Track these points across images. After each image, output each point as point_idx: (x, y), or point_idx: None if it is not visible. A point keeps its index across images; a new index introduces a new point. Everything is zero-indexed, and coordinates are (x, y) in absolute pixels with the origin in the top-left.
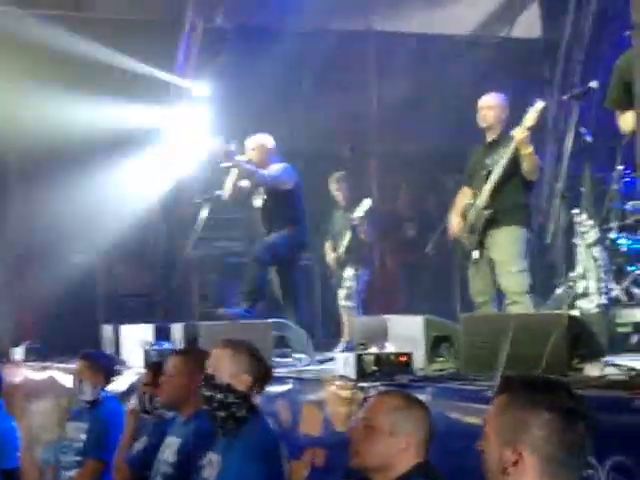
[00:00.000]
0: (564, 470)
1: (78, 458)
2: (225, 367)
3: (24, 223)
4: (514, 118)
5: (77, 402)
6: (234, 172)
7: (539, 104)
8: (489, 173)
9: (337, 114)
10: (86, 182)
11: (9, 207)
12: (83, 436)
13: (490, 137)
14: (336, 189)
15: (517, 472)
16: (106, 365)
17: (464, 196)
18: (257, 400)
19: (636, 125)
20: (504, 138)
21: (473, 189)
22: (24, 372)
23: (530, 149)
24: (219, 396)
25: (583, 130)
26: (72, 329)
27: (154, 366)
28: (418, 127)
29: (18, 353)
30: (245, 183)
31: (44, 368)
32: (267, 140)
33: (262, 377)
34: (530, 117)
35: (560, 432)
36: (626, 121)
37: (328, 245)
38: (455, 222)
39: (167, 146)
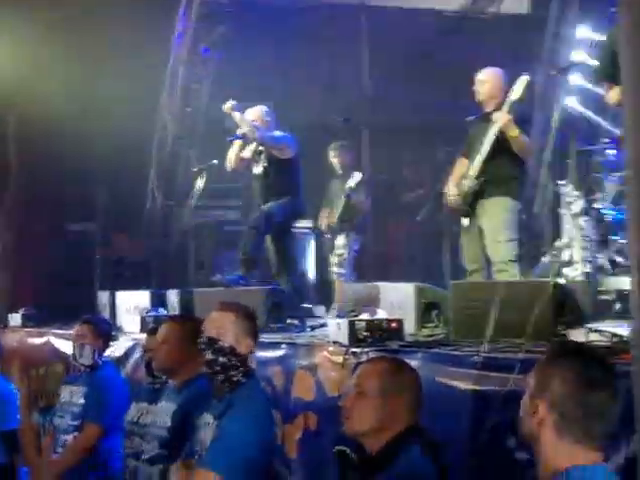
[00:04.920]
0: (582, 432)
1: (76, 422)
2: (229, 330)
3: (21, 190)
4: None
5: (74, 366)
6: (237, 143)
7: (523, 78)
8: (482, 144)
9: (331, 86)
10: (83, 148)
11: (7, 174)
12: (81, 400)
13: (486, 110)
14: (333, 156)
15: (535, 422)
16: (106, 330)
17: (461, 166)
18: (253, 363)
19: (622, 98)
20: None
21: (469, 159)
22: (21, 338)
23: (516, 132)
24: (222, 359)
25: (569, 104)
26: (69, 295)
27: (155, 331)
28: (409, 100)
29: (15, 319)
30: (247, 153)
31: (41, 334)
32: (266, 112)
33: (256, 340)
34: (516, 91)
35: (579, 395)
36: (613, 94)
37: (323, 212)
38: (451, 191)
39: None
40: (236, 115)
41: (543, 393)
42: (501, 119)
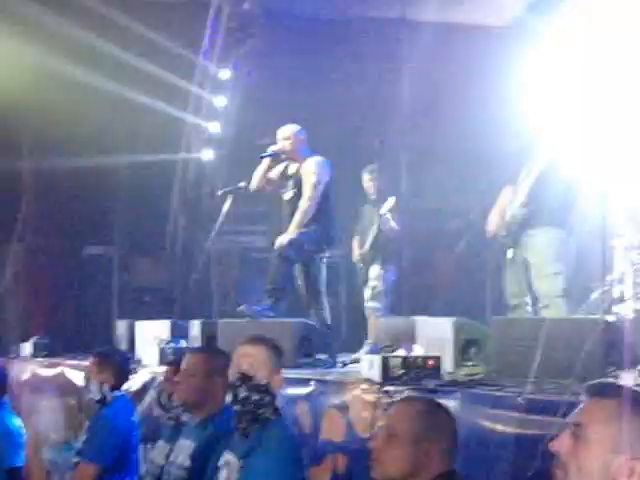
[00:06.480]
0: None
1: (77, 459)
2: (263, 366)
3: (36, 214)
4: None
5: (89, 401)
6: (265, 162)
7: None
8: (529, 170)
9: (367, 105)
10: (102, 171)
11: (22, 197)
12: (84, 436)
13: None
14: (367, 180)
15: None
16: (117, 364)
17: (506, 194)
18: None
19: None
20: None
21: (514, 186)
22: (32, 368)
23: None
24: (255, 397)
25: None
26: (84, 324)
27: (175, 363)
28: (451, 122)
29: (26, 348)
30: (274, 175)
31: (53, 365)
32: (299, 131)
33: None
34: None
35: None
36: None
37: (355, 241)
38: (494, 220)
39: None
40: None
41: (638, 452)
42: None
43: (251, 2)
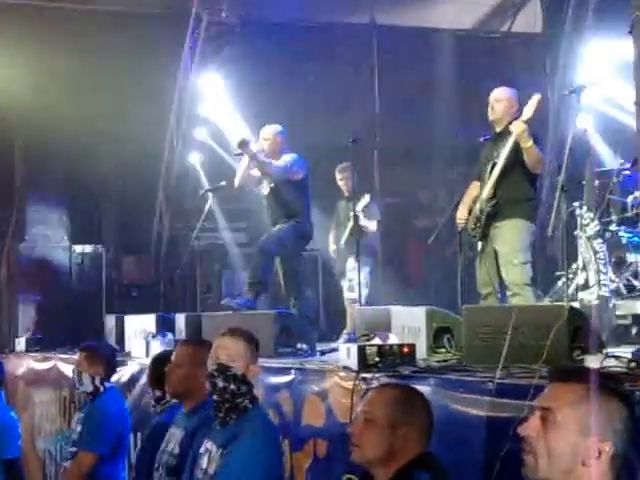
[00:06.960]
0: (623, 471)
1: (73, 449)
2: (241, 357)
3: (28, 213)
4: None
5: (79, 393)
6: (245, 160)
7: (536, 96)
8: (494, 165)
9: (340, 106)
10: (91, 169)
11: (13, 196)
12: (79, 427)
13: (498, 130)
14: (340, 179)
15: (597, 465)
16: (106, 356)
17: (474, 189)
18: (260, 389)
19: (636, 120)
20: (509, 131)
21: (481, 181)
22: (26, 362)
23: (529, 142)
24: (232, 387)
25: (584, 124)
26: (75, 319)
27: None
28: (419, 120)
29: (20, 343)
30: (255, 172)
31: (46, 358)
32: (280, 132)
33: None
34: (528, 109)
35: (630, 430)
36: None
37: (331, 236)
38: (462, 213)
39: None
40: (245, 152)
41: (606, 430)
42: (518, 127)
43: (228, 12)
